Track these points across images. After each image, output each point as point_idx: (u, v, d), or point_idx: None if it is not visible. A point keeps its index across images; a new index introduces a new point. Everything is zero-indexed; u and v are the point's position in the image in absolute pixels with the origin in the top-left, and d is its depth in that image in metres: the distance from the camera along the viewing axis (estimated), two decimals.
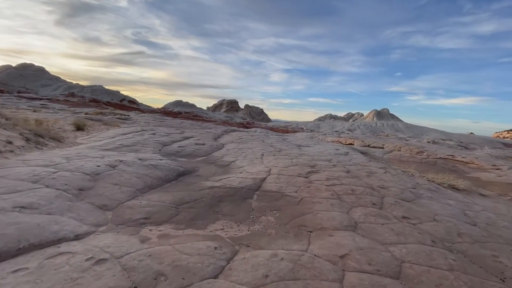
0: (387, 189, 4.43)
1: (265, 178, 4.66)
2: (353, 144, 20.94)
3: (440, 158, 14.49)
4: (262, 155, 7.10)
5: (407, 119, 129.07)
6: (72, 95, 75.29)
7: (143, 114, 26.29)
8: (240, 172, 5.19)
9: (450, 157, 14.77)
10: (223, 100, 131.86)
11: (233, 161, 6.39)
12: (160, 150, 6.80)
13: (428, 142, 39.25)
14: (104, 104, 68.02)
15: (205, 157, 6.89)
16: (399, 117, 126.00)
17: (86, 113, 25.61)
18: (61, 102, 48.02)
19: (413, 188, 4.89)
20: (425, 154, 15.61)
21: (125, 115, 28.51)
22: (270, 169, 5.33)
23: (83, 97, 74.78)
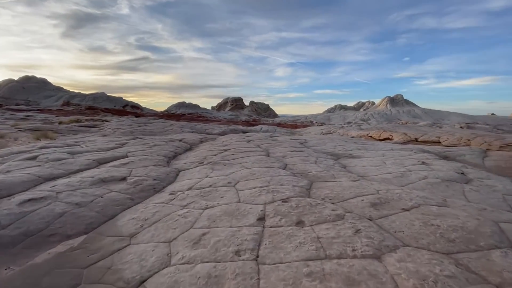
0: None
1: None
2: (392, 139, 15.72)
3: None
4: (263, 218, 2.24)
5: (420, 104, 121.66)
6: (68, 104, 72.59)
7: (122, 120, 21.93)
8: None
9: None
10: (228, 98, 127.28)
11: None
12: None
13: (462, 127, 33.44)
14: (101, 111, 65.07)
15: (69, 246, 2.11)
16: (414, 103, 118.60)
17: (60, 122, 22.58)
18: (53, 112, 44.76)
19: None
20: None
21: (103, 120, 24.86)
22: None
23: (79, 105, 72.09)
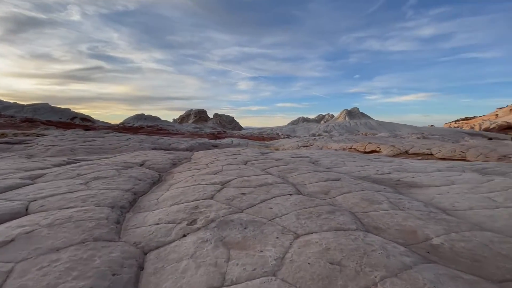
0: None
1: None
2: (380, 152, 14.75)
3: None
4: None
5: (373, 117, 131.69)
6: None
7: (64, 134, 17.96)
8: None
9: None
10: (191, 110, 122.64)
11: None
12: None
13: (418, 137, 35.31)
14: (41, 123, 56.71)
15: None
16: (369, 116, 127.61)
17: None
18: None
19: None
20: None
21: (39, 134, 20.61)
22: None
23: (13, 117, 62.01)
